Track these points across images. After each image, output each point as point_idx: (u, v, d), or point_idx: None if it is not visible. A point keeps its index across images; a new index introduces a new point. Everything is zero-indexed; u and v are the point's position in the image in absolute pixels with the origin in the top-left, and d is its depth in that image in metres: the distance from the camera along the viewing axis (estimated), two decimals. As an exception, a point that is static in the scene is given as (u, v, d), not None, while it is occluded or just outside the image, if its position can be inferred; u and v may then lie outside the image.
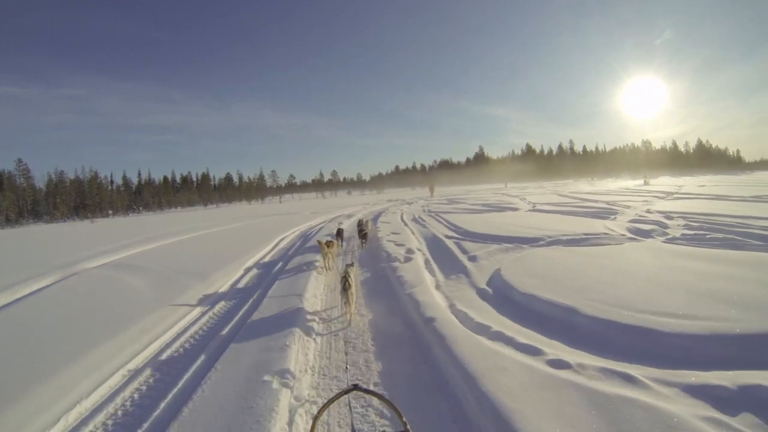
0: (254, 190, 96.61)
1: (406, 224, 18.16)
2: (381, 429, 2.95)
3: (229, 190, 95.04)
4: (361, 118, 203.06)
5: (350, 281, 6.11)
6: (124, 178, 78.97)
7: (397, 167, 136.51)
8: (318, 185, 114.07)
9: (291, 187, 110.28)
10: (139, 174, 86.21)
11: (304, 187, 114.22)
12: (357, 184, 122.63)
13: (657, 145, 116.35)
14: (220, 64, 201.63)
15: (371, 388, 3.72)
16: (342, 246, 13.35)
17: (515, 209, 21.55)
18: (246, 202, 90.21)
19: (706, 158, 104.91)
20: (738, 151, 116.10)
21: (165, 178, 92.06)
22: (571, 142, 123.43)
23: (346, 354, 5.06)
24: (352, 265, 7.28)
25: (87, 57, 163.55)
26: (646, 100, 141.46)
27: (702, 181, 45.10)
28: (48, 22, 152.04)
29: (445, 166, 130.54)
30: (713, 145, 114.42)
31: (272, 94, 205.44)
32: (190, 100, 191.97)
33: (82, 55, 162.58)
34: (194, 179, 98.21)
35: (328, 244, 10.27)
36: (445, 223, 17.21)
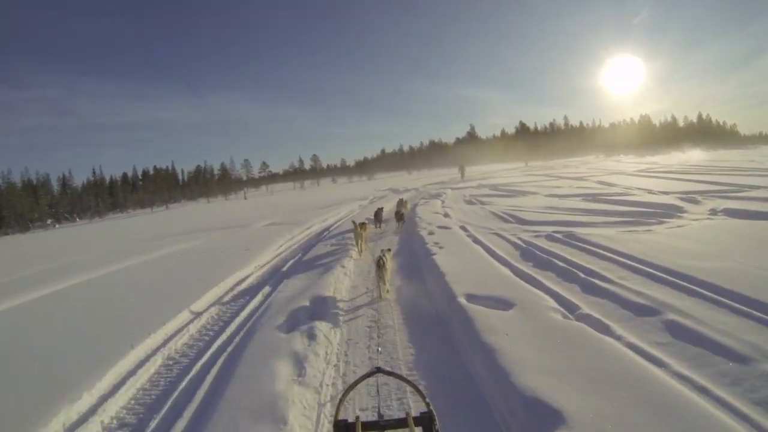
0: (226, 183, 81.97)
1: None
2: (405, 411, 2.76)
3: (198, 185, 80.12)
4: (341, 105, 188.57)
5: (385, 260, 6.31)
6: (63, 178, 63.44)
7: (383, 150, 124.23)
8: (298, 174, 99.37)
9: (270, 178, 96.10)
10: (94, 172, 71.73)
11: (285, 176, 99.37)
12: (341, 170, 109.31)
13: (655, 120, 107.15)
14: (195, 57, 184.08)
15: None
16: (381, 228, 13.07)
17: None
18: (213, 198, 75.10)
19: (708, 133, 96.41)
20: (735, 125, 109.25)
21: (125, 176, 77.63)
22: (565, 118, 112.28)
23: (378, 336, 5.03)
24: (389, 250, 7.31)
25: (57, 57, 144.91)
26: (625, 79, 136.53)
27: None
28: (13, 23, 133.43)
29: (435, 147, 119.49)
30: (713, 120, 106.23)
31: (250, 86, 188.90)
32: (166, 95, 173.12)
33: (52, 55, 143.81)
34: (155, 174, 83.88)
35: (362, 226, 9.64)
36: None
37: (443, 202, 18.25)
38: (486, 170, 46.82)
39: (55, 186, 61.62)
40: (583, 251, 7.50)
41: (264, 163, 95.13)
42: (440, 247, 8.47)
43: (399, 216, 12.65)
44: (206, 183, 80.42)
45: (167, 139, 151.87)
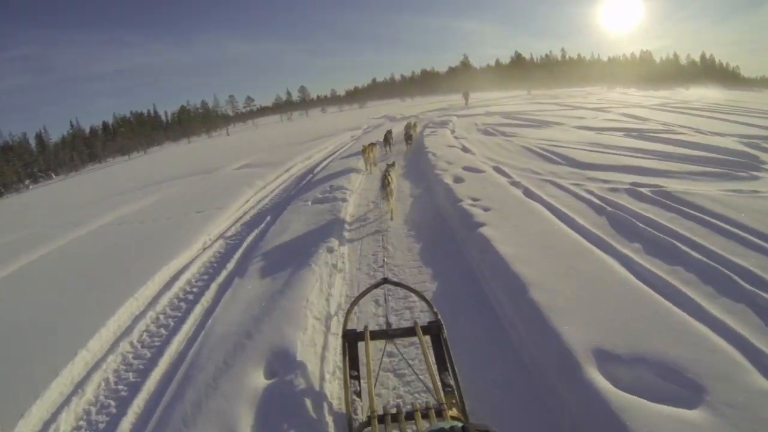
0: (209, 121, 75.68)
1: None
2: (414, 319, 2.57)
3: (182, 125, 74.06)
4: (329, 37, 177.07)
5: (390, 178, 6.24)
6: (39, 135, 57.66)
7: (374, 80, 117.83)
8: (285, 106, 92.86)
9: (258, 113, 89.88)
10: (72, 125, 65.86)
11: (273, 109, 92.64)
12: (332, 100, 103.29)
13: (656, 57, 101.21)
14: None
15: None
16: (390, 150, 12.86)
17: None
18: (196, 137, 69.45)
19: (711, 73, 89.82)
20: (738, 66, 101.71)
21: (104, 125, 71.60)
22: (562, 50, 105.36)
23: (384, 248, 4.95)
24: (393, 164, 7.44)
25: (33, 12, 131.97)
26: (623, 14, 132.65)
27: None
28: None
29: (427, 75, 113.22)
30: (717, 60, 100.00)
31: (234, 22, 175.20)
32: (148, 41, 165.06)
33: (28, 11, 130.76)
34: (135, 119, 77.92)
35: (370, 146, 10.28)
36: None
37: (453, 131, 14.92)
38: (486, 98, 42.83)
39: (34, 145, 56.65)
40: (712, 228, 4.54)
41: (249, 98, 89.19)
42: (485, 209, 5.36)
43: (408, 137, 12.77)
44: (189, 122, 74.38)
45: (151, 85, 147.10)
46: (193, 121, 73.64)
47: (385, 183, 6.11)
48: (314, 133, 22.58)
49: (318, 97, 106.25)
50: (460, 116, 21.33)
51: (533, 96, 43.32)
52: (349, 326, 1.67)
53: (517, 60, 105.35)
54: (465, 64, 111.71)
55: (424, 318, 2.78)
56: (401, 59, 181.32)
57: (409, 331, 1.66)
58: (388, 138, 13.07)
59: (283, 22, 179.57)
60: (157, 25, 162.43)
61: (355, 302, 1.86)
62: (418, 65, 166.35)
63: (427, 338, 1.67)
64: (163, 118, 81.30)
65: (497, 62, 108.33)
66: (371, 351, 1.58)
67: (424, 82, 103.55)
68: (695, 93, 44.57)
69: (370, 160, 10.10)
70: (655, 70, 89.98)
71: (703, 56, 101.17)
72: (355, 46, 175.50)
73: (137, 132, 68.08)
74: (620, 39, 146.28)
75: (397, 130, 15.82)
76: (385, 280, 1.89)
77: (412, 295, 3.21)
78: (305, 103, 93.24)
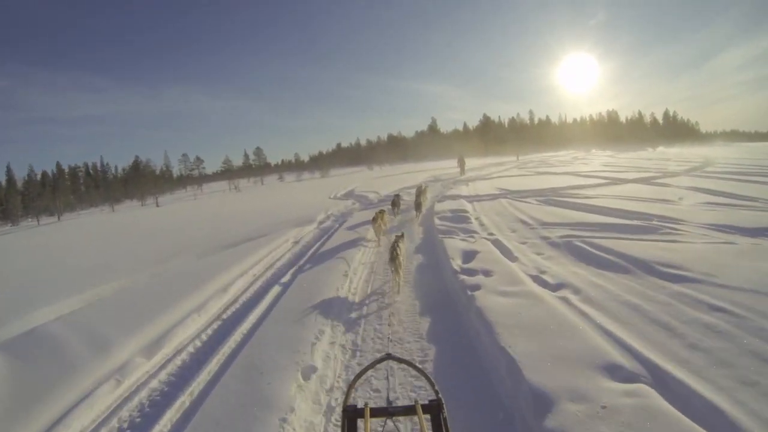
0: (142, 182, 66.10)
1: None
2: (414, 399, 2.42)
3: (128, 185, 64.30)
4: (295, 99, 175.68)
5: (399, 250, 6.03)
6: None
7: (338, 145, 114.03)
8: (239, 171, 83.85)
9: (213, 176, 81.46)
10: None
11: (225, 174, 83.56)
12: (294, 166, 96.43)
13: (622, 116, 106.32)
14: (150, 46, 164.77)
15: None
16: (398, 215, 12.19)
17: None
18: (121, 204, 59.74)
19: (673, 129, 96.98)
20: (697, 122, 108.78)
21: (42, 174, 61.90)
22: (531, 112, 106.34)
23: (389, 325, 4.83)
24: (402, 236, 6.96)
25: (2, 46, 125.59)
26: (580, 77, 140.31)
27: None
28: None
29: (394, 140, 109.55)
30: (679, 118, 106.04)
31: (206, 78, 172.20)
32: (119, 87, 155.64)
33: None
34: (71, 173, 67.97)
35: (380, 213, 9.50)
36: None
37: (512, 258, 6.98)
38: (470, 165, 36.38)
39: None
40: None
41: (198, 159, 79.64)
42: None
43: (418, 205, 11.68)
44: (138, 181, 63.90)
45: (101, 136, 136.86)
46: (141, 181, 63.20)
47: (393, 255, 5.88)
48: (250, 220, 14.67)
49: (282, 161, 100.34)
50: (471, 199, 13.71)
51: (523, 162, 37.28)
52: (350, 401, 1.64)
53: (486, 123, 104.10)
54: (433, 129, 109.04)
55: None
56: (367, 123, 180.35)
57: (410, 410, 1.59)
58: (396, 202, 12.38)
59: (245, 78, 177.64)
60: (128, 74, 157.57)
61: (357, 378, 1.74)
62: (384, 129, 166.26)
63: (428, 416, 1.61)
64: (113, 173, 72.58)
65: (465, 126, 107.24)
66: (369, 428, 1.53)
67: (391, 147, 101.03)
68: (678, 152, 43.71)
69: (381, 230, 9.21)
70: (623, 130, 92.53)
71: (666, 113, 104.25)
72: (320, 107, 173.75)
73: (72, 189, 58.57)
74: (578, 100, 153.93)
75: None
76: (389, 356, 1.76)
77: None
78: (261, 168, 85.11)
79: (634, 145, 66.58)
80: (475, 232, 8.55)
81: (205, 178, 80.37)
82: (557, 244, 7.17)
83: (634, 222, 8.25)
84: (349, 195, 20.33)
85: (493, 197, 13.72)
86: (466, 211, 10.88)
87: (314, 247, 9.47)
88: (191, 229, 15.18)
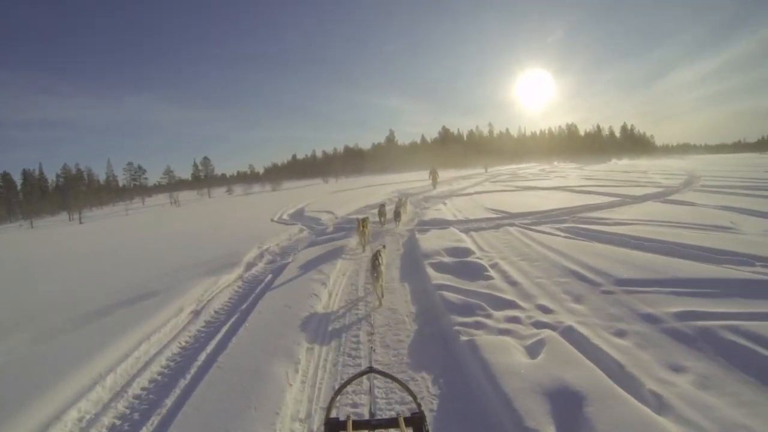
0: (102, 192, 58.43)
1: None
2: (397, 411, 2.59)
3: (69, 194, 55.65)
4: (252, 109, 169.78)
5: (381, 259, 5.98)
6: None
7: (294, 156, 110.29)
8: (193, 182, 76.77)
9: (161, 187, 73.90)
10: None
11: (168, 187, 75.87)
12: (249, 177, 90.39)
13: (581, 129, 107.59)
14: (110, 52, 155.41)
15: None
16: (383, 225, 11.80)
17: None
18: (43, 219, 51.38)
19: (631, 142, 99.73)
20: (653, 136, 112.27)
21: None
22: (490, 125, 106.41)
23: (370, 336, 4.57)
24: (384, 247, 6.79)
25: None
26: (539, 91, 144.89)
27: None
28: None
29: (351, 152, 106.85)
30: (636, 131, 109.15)
31: (161, 86, 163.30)
32: (79, 91, 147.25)
33: None
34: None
35: (364, 222, 9.43)
36: None
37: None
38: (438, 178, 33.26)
39: None
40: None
41: (139, 168, 72.28)
42: None
43: (397, 215, 11.54)
44: (70, 191, 55.58)
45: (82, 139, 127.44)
46: (71, 193, 54.88)
47: (375, 264, 5.80)
48: (157, 256, 10.64)
49: (239, 173, 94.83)
50: (464, 227, 10.03)
51: (493, 174, 34.49)
52: (332, 414, 1.57)
53: (445, 135, 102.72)
54: (391, 141, 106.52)
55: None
56: (324, 135, 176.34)
57: (392, 422, 1.52)
58: (382, 212, 12.06)
59: (201, 86, 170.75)
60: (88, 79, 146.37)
61: (339, 391, 1.64)
62: (341, 142, 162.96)
63: (410, 429, 1.51)
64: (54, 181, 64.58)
65: (423, 138, 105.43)
66: None
67: (349, 159, 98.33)
68: (647, 163, 43.13)
69: (365, 237, 9.33)
70: (582, 143, 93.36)
71: (624, 127, 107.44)
72: (277, 118, 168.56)
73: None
74: (537, 114, 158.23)
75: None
76: (371, 369, 1.69)
77: None
78: (210, 180, 77.85)
79: (594, 157, 66.88)
80: (511, 303, 4.77)
81: (154, 189, 73.24)
82: (687, 336, 3.62)
83: (732, 269, 5.14)
84: (297, 216, 16.08)
85: (494, 224, 10.08)
86: (471, 252, 7.11)
87: (223, 331, 5.33)
88: (72, 271, 10.47)
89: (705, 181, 18.24)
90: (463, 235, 8.64)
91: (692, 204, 11.59)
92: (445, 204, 14.74)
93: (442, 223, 10.44)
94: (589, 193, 15.21)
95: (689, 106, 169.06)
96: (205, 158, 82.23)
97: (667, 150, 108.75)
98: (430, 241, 8.26)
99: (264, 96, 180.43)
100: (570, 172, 31.63)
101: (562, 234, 8.13)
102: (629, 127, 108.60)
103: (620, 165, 42.77)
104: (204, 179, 77.60)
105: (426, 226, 10.44)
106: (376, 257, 5.90)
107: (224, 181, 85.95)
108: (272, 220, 15.60)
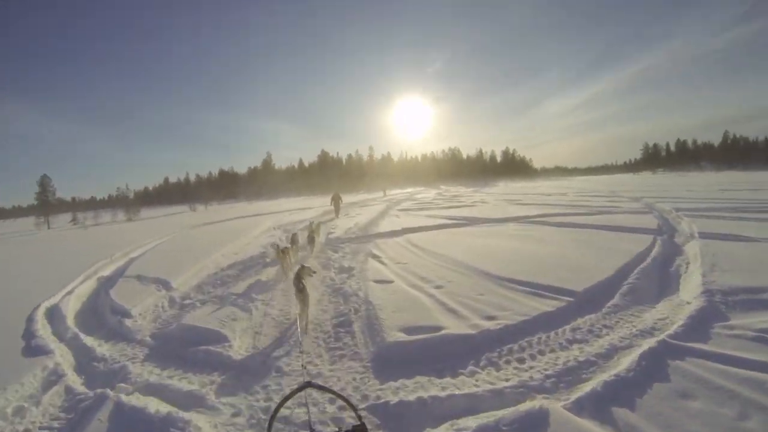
0: None
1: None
2: (336, 427, 2.43)
3: None
4: (125, 129, 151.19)
5: (304, 282, 5.63)
6: None
7: (166, 179, 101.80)
8: (37, 208, 57.96)
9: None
10: None
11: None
12: (117, 201, 72.67)
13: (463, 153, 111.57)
14: None
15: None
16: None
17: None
18: None
19: (511, 166, 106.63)
20: (531, 159, 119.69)
21: None
22: (371, 148, 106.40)
23: (301, 353, 4.69)
24: (308, 267, 6.27)
25: None
26: (419, 118, 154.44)
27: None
28: None
29: (226, 177, 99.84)
30: (517, 155, 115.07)
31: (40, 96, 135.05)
32: None
33: None
34: None
35: (284, 251, 9.03)
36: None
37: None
38: (322, 204, 27.80)
39: None
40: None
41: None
42: None
43: (311, 239, 11.06)
44: None
45: None
46: None
47: (300, 287, 5.51)
48: None
49: (110, 196, 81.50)
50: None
51: (394, 200, 30.21)
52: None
53: (324, 159, 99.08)
54: (267, 164, 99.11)
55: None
56: (199, 157, 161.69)
57: None
58: (294, 240, 11.20)
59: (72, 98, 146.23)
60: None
61: (277, 409, 1.61)
62: (216, 165, 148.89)
63: None
64: None
65: (301, 162, 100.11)
66: None
67: (223, 183, 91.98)
68: (549, 184, 44.36)
69: (288, 264, 8.89)
70: (466, 167, 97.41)
71: (506, 151, 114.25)
72: (149, 138, 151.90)
73: None
74: (417, 140, 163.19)
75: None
76: (309, 384, 1.63)
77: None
78: (46, 206, 59.54)
79: (479, 181, 67.69)
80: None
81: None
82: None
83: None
84: (94, 300, 8.52)
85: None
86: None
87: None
88: None
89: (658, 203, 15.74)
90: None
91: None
92: (384, 264, 8.74)
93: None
94: (544, 223, 10.98)
95: (558, 134, 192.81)
96: (44, 176, 62.18)
97: (546, 172, 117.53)
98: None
99: (137, 116, 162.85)
100: (477, 196, 28.53)
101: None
102: (511, 151, 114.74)
103: (518, 188, 42.56)
104: (41, 205, 59.58)
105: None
106: (299, 279, 5.60)
107: (73, 206, 69.77)
108: (72, 291, 8.23)
